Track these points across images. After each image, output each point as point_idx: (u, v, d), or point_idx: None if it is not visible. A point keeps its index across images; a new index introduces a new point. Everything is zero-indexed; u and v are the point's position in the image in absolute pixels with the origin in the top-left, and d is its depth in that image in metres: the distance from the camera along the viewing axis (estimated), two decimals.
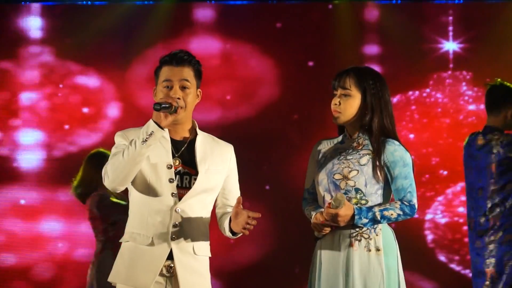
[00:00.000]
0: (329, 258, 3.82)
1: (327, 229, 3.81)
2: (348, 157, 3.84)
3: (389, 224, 3.87)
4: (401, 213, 3.77)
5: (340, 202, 3.67)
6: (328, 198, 3.85)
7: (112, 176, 3.41)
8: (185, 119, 3.58)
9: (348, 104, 3.84)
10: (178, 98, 3.47)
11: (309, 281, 3.91)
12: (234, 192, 3.67)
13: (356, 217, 3.70)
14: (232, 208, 3.53)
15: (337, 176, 3.83)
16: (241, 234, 3.49)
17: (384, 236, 3.80)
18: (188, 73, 3.56)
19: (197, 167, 3.54)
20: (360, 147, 3.86)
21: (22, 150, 7.80)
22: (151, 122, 3.37)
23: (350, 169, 3.81)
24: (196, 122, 3.64)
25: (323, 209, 3.82)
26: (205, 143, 3.60)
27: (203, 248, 3.57)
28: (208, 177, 3.56)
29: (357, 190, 3.80)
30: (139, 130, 3.44)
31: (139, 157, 3.37)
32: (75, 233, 7.66)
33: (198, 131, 3.62)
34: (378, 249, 3.77)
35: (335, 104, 3.87)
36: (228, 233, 3.57)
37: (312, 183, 3.97)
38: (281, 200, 7.44)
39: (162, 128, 3.37)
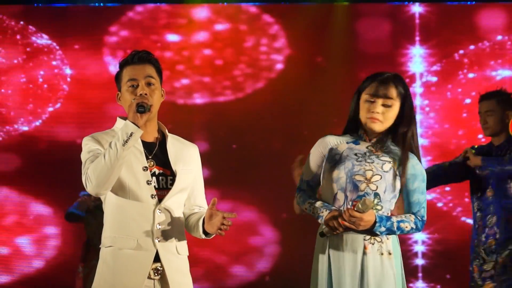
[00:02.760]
0: (341, 259, 3.84)
1: (341, 230, 3.79)
2: (369, 161, 3.87)
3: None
4: (414, 227, 3.86)
5: (367, 207, 3.71)
6: (341, 196, 3.87)
7: (96, 181, 3.42)
8: (152, 119, 3.60)
9: (391, 114, 3.87)
10: (146, 94, 3.50)
11: (315, 278, 3.90)
12: (200, 192, 3.73)
13: (377, 224, 3.76)
14: (197, 207, 3.68)
15: (358, 177, 3.84)
16: (214, 235, 3.56)
17: (393, 240, 3.87)
18: (151, 70, 3.59)
19: (172, 167, 3.59)
20: (379, 153, 3.90)
21: None
22: (129, 123, 3.41)
23: (373, 173, 3.84)
24: (161, 123, 3.68)
25: (335, 208, 3.85)
26: (174, 144, 3.66)
27: (184, 248, 3.61)
28: (183, 177, 3.61)
29: (376, 195, 3.83)
30: (109, 133, 3.56)
31: (121, 159, 3.40)
32: None
33: (167, 132, 3.67)
34: (389, 253, 3.84)
35: (378, 113, 3.86)
36: (201, 234, 3.60)
37: (313, 176, 3.99)
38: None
39: (139, 128, 3.43)
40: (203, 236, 3.60)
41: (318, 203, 3.89)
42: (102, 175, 3.40)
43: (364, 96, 3.89)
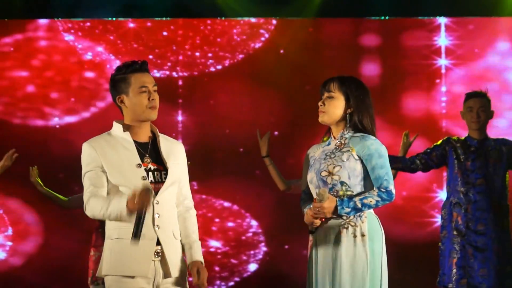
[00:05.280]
0: (322, 246, 4.19)
1: (317, 222, 4.16)
2: (332, 156, 4.22)
3: (374, 212, 4.24)
4: (379, 199, 4.12)
5: (323, 196, 4.09)
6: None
7: (92, 216, 3.88)
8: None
9: (332, 105, 4.24)
10: (155, 102, 3.93)
11: (308, 268, 4.29)
12: (186, 184, 4.07)
13: (339, 207, 4.10)
14: (183, 208, 4.04)
15: (323, 173, 4.20)
16: None
17: (369, 223, 4.16)
18: (152, 78, 3.98)
19: (164, 163, 3.94)
20: (342, 146, 4.23)
21: None
22: (124, 210, 3.72)
23: (334, 166, 4.19)
24: (153, 125, 4.03)
25: (308, 207, 4.26)
26: (165, 142, 4.00)
27: (178, 232, 3.98)
28: (174, 171, 3.96)
29: (342, 183, 4.18)
30: (104, 137, 3.93)
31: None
32: None
33: (158, 132, 4.01)
34: (363, 235, 4.13)
35: (320, 105, 4.26)
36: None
37: (306, 184, 4.34)
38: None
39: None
40: None
41: (304, 208, 4.29)
42: (97, 217, 3.85)
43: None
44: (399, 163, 6.01)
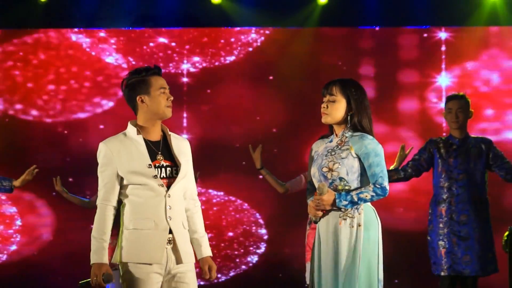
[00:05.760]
0: (324, 235, 4.44)
1: (319, 213, 4.42)
2: (333, 153, 4.45)
3: (372, 204, 4.48)
4: (374, 194, 4.37)
5: (322, 190, 4.35)
6: None
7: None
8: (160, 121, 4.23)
9: (334, 108, 4.46)
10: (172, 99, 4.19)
11: (312, 256, 4.56)
12: (192, 179, 4.32)
13: (337, 200, 4.35)
14: (190, 201, 4.29)
15: (324, 169, 4.44)
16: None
17: (366, 214, 4.40)
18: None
19: (176, 159, 4.18)
20: (342, 144, 4.46)
21: None
22: (91, 260, 4.09)
23: (334, 163, 4.42)
24: (163, 124, 4.26)
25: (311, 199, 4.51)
26: (174, 141, 4.23)
27: (186, 223, 4.23)
28: (185, 166, 4.21)
29: (341, 178, 4.42)
30: (119, 138, 4.15)
31: None
32: None
33: (168, 131, 4.25)
34: (359, 225, 4.37)
35: (323, 107, 4.47)
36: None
37: (310, 177, 4.58)
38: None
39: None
40: None
41: (308, 199, 4.53)
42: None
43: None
44: (394, 176, 6.32)
